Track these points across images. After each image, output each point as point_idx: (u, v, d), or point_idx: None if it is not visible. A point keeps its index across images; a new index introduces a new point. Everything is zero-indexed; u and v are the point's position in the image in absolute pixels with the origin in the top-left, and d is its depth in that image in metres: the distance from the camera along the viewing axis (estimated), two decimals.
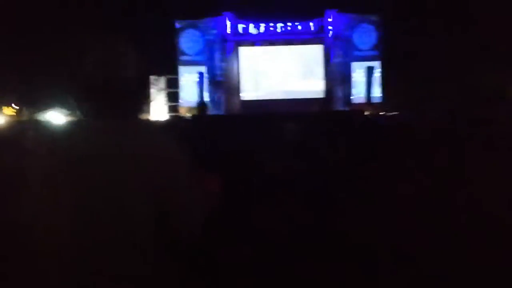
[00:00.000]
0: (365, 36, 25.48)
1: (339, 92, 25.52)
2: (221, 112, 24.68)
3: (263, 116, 15.60)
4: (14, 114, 25.04)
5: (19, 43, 24.25)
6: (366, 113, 21.27)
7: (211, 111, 24.57)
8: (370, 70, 24.82)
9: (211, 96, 25.20)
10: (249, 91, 25.93)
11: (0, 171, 1.35)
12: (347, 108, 24.46)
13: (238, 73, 26.04)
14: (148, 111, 26.28)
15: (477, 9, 27.21)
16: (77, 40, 1.36)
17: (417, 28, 27.86)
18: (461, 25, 28.77)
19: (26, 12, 24.81)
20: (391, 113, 20.81)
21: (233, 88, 25.86)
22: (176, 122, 13.96)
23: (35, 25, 24.61)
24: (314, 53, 25.97)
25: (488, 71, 26.92)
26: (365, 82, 24.90)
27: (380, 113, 21.83)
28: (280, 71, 25.67)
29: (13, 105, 25.66)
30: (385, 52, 25.52)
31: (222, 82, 25.40)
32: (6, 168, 1.34)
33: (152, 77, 26.68)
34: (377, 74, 25.17)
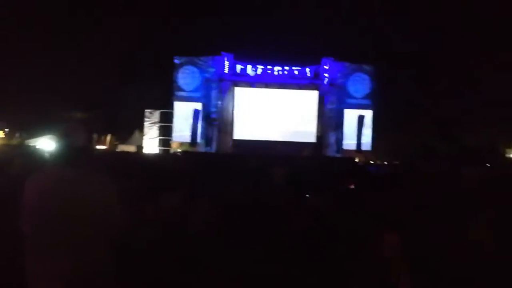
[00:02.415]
0: (359, 84, 25.96)
1: (331, 138, 25.73)
2: (213, 149, 24.75)
3: (252, 156, 15.65)
4: (3, 137, 25.05)
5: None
6: (356, 160, 21.49)
7: (202, 148, 24.66)
8: (361, 119, 25.15)
9: (204, 133, 25.31)
10: (242, 131, 26.06)
11: None
12: (338, 155, 24.61)
13: (232, 113, 26.25)
14: (140, 143, 26.33)
15: (472, 66, 27.98)
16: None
17: (409, 81, 28.55)
18: (452, 81, 29.54)
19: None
20: (380, 162, 21.00)
21: (226, 126, 26.03)
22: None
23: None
24: (309, 98, 26.31)
25: (479, 126, 27.53)
26: (356, 130, 25.20)
27: (370, 161, 22.02)
28: (274, 113, 25.92)
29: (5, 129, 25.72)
30: (377, 101, 25.99)
31: (216, 120, 25.56)
32: None
33: (147, 111, 26.87)
34: (368, 122, 25.51)
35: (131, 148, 24.66)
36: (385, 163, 20.40)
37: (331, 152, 25.23)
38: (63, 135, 2.44)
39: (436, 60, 29.83)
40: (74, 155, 2.40)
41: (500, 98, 27.51)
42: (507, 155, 31.17)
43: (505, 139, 31.26)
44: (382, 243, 3.29)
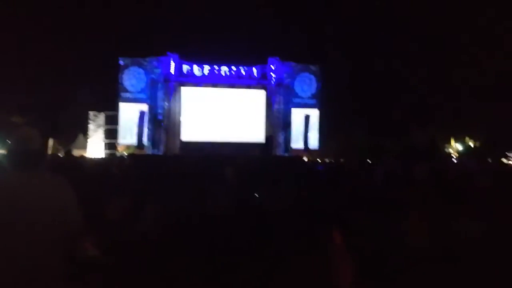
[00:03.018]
0: (305, 84, 26.31)
1: (280, 138, 25.89)
2: (160, 151, 24.33)
3: (201, 158, 15.52)
4: None
5: None
6: (304, 159, 21.74)
7: (149, 150, 24.19)
8: (307, 118, 25.48)
9: (150, 135, 24.83)
10: (189, 132, 25.79)
11: None
12: (286, 154, 24.81)
13: (179, 114, 25.94)
14: (85, 148, 25.52)
15: (415, 67, 29.05)
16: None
17: (355, 80, 29.28)
18: (396, 81, 30.55)
19: None
20: (328, 161, 21.33)
21: (173, 128, 25.67)
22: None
23: None
24: (257, 98, 26.40)
25: (421, 125, 28.66)
26: (303, 129, 25.50)
27: (318, 160, 22.33)
28: (222, 113, 25.81)
29: None
30: (323, 101, 26.47)
31: (163, 122, 25.15)
32: None
33: (91, 113, 26.08)
34: (314, 121, 25.87)
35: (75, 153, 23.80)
36: (332, 161, 20.75)
37: (280, 151, 25.40)
38: (19, 140, 2.37)
39: (380, 60, 30.78)
40: (30, 159, 2.36)
41: (441, 98, 28.76)
42: (446, 151, 32.65)
43: (445, 136, 32.79)
44: (327, 241, 3.31)
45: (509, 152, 30.60)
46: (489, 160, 20.49)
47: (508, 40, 26.39)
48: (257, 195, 6.02)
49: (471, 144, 33.97)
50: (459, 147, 34.12)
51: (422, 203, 4.31)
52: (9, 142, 2.40)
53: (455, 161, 24.89)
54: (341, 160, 19.87)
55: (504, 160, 26.26)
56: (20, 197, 2.23)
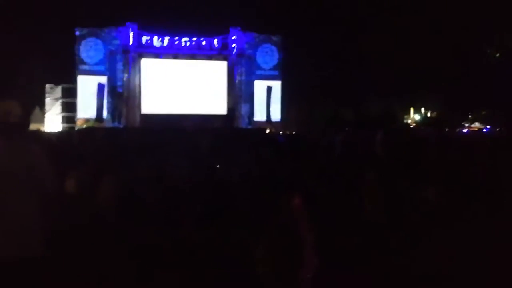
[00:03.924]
0: (267, 55, 26.10)
1: (242, 110, 25.74)
2: (120, 124, 23.84)
3: (162, 131, 15.30)
4: None
5: None
6: (267, 131, 21.79)
7: (109, 123, 23.70)
8: (269, 90, 25.40)
9: (110, 108, 24.26)
10: (150, 104, 25.34)
11: None
12: (249, 126, 24.75)
13: (139, 86, 25.38)
14: (42, 122, 24.72)
15: (374, 40, 29.36)
16: None
17: (315, 52, 29.34)
18: (357, 53, 30.86)
19: None
20: (289, 132, 21.50)
21: (133, 100, 25.13)
22: None
23: None
24: (218, 69, 26.07)
25: (381, 97, 29.19)
26: (265, 101, 25.43)
27: (280, 132, 22.44)
28: (183, 85, 25.39)
29: None
30: (285, 72, 26.40)
31: (123, 94, 24.57)
32: None
33: (47, 86, 25.20)
34: (277, 93, 25.83)
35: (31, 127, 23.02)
36: (294, 132, 20.93)
37: (243, 124, 25.29)
38: (1, 113, 2.60)
39: (341, 32, 30.94)
40: (12, 131, 2.61)
41: (400, 71, 29.29)
42: (405, 121, 33.50)
43: (404, 107, 33.58)
44: (288, 208, 3.35)
45: (465, 122, 31.71)
46: (446, 129, 21.13)
47: (466, 15, 26.97)
48: (218, 166, 6.03)
49: (429, 114, 34.93)
50: (417, 117, 35.04)
51: (379, 171, 4.42)
52: None
53: (412, 130, 25.53)
54: (301, 131, 20.05)
55: (459, 129, 27.18)
56: (3, 163, 2.53)
